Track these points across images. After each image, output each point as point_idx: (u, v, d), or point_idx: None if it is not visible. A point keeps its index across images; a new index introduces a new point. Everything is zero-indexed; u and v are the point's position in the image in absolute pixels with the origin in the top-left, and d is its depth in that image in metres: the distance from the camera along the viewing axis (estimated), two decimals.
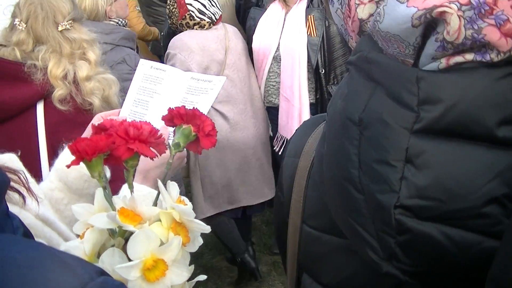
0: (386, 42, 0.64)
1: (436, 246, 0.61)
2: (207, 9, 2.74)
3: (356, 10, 0.68)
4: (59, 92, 1.55)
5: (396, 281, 0.67)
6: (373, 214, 0.64)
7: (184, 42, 2.68)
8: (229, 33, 2.84)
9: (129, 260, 0.65)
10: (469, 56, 0.60)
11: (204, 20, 2.74)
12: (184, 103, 1.19)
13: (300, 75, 2.75)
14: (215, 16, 2.77)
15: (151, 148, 0.71)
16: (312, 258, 0.87)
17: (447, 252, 0.61)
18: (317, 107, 2.83)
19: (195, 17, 2.73)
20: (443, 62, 0.61)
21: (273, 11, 2.86)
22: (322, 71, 2.75)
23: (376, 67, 0.65)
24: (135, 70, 1.30)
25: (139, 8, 4.20)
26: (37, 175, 1.12)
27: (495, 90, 0.59)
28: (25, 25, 1.58)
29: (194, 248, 0.72)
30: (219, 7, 2.82)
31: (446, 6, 0.57)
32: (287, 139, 2.88)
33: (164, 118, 0.77)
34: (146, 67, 1.23)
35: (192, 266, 0.71)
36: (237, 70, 2.83)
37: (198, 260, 3.32)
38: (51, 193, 1.10)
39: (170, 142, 0.79)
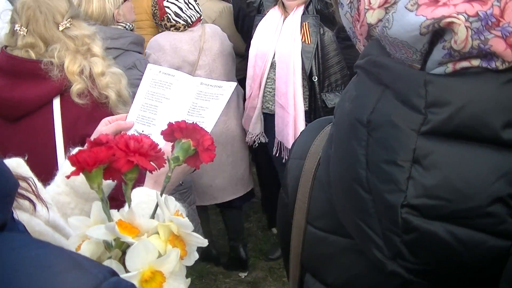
0: (394, 47, 0.66)
1: (442, 245, 0.62)
2: (184, 12, 2.85)
3: (365, 15, 0.69)
4: (77, 87, 1.58)
5: (401, 280, 0.68)
6: (380, 213, 0.66)
7: (158, 43, 2.84)
8: (206, 35, 2.91)
9: (127, 272, 0.65)
10: (475, 62, 0.62)
11: (180, 22, 2.86)
12: (194, 109, 1.19)
13: (295, 82, 2.74)
14: (191, 19, 2.87)
15: (151, 161, 0.72)
16: (317, 258, 0.87)
17: (453, 251, 0.62)
18: (310, 114, 2.83)
19: (171, 20, 2.85)
20: (450, 67, 0.63)
21: (271, 17, 2.86)
22: (315, 78, 2.75)
23: (384, 70, 0.67)
24: None
25: None
26: (54, 171, 1.13)
27: (501, 94, 0.61)
28: (26, 30, 1.59)
29: (190, 262, 0.73)
30: (197, 10, 2.90)
31: (454, 17, 0.59)
32: (283, 143, 2.88)
33: (163, 133, 0.78)
34: (154, 71, 1.23)
35: (189, 279, 0.71)
36: (210, 71, 2.90)
37: (193, 266, 3.29)
38: (58, 197, 1.09)
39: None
